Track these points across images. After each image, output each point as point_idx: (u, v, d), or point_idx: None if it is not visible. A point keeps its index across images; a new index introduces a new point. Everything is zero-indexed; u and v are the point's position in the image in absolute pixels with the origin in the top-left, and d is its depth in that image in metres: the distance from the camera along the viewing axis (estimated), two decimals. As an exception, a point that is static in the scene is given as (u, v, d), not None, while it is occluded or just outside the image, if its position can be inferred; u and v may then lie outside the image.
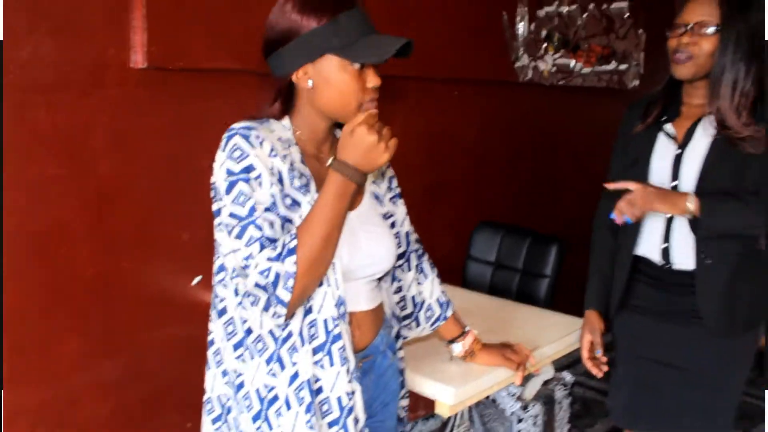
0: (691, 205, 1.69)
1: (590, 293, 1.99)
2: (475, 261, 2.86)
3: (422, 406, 3.09)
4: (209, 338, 1.40)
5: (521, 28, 3.29)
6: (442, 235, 3.03)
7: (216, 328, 1.38)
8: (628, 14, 4.00)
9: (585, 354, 1.93)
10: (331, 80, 1.29)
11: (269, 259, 1.21)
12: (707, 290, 1.77)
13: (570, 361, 3.86)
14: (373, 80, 1.31)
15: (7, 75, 1.73)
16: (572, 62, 3.64)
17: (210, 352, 1.40)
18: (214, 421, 1.41)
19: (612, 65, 3.95)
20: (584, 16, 3.69)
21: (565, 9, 3.55)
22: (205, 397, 1.43)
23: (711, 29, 1.71)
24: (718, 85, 1.73)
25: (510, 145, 3.44)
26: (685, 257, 1.81)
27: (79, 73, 1.87)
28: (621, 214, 1.73)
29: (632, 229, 1.88)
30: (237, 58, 2.11)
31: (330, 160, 1.27)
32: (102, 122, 1.92)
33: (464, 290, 2.52)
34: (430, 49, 2.83)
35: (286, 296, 1.21)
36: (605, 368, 1.92)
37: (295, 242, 1.21)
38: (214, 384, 1.40)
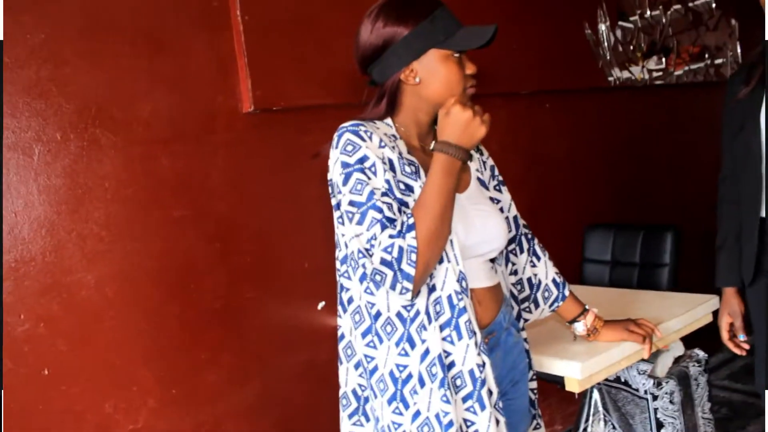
0: None
1: (721, 269, 1.91)
2: (590, 262, 2.83)
3: (559, 420, 3.04)
4: (339, 333, 1.47)
5: (605, 37, 3.29)
6: (551, 242, 3.02)
7: (344, 322, 1.45)
8: (715, 5, 3.92)
9: (724, 335, 1.86)
10: (438, 72, 1.39)
11: (391, 236, 1.27)
12: None
13: (711, 366, 3.70)
14: (471, 67, 1.42)
15: (133, 131, 1.94)
16: (663, 65, 3.59)
17: (341, 347, 1.47)
18: (351, 415, 1.46)
19: (705, 62, 3.85)
20: (668, 14, 3.65)
21: (647, 13, 3.53)
22: (340, 393, 1.48)
23: None
24: None
25: (608, 148, 3.41)
26: None
27: (194, 122, 2.05)
28: None
29: (754, 190, 1.80)
30: (327, 93, 2.26)
31: (432, 144, 1.34)
32: (217, 165, 2.09)
33: (581, 286, 2.50)
34: (515, 65, 2.89)
35: (411, 270, 1.26)
36: (746, 346, 1.85)
37: (412, 219, 1.28)
38: (347, 378, 1.46)
